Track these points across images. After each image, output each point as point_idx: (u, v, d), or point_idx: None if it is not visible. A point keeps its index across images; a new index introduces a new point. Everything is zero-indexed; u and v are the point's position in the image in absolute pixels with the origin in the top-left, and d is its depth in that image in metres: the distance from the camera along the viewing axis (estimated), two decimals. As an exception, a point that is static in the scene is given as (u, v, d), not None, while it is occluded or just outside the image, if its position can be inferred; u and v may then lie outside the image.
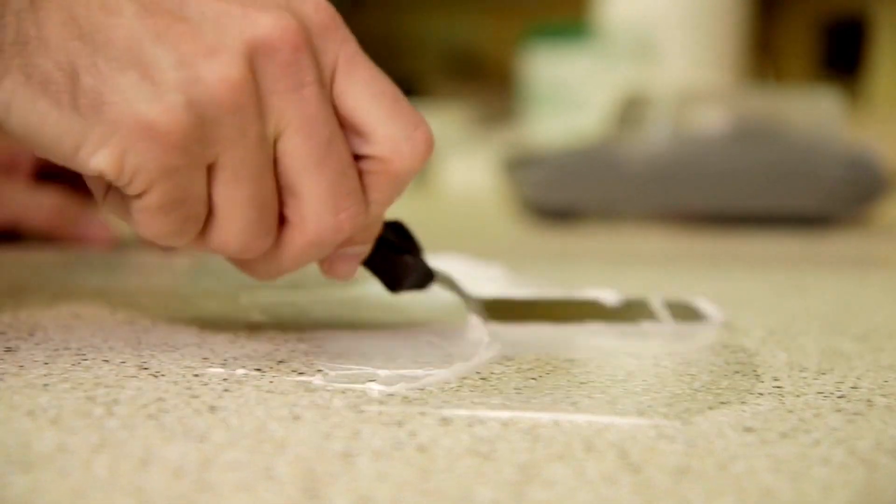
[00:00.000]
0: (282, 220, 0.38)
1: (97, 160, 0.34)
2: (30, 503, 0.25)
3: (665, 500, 0.26)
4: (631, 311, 0.48)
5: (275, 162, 0.37)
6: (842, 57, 1.62)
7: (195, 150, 0.35)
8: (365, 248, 0.40)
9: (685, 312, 0.48)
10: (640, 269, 0.69)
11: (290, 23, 0.36)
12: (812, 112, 0.99)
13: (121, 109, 0.34)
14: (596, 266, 0.71)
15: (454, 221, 1.04)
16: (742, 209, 0.96)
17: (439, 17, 1.90)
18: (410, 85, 1.72)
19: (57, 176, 0.66)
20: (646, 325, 0.47)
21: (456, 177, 1.39)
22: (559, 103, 1.40)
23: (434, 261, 0.45)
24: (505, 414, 0.33)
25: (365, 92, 0.38)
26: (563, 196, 0.96)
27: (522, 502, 0.26)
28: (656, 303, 0.49)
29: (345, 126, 0.38)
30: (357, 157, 0.38)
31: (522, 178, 0.98)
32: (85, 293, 0.50)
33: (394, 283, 0.43)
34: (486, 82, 1.81)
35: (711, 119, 0.99)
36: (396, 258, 0.43)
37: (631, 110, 1.02)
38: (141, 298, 0.49)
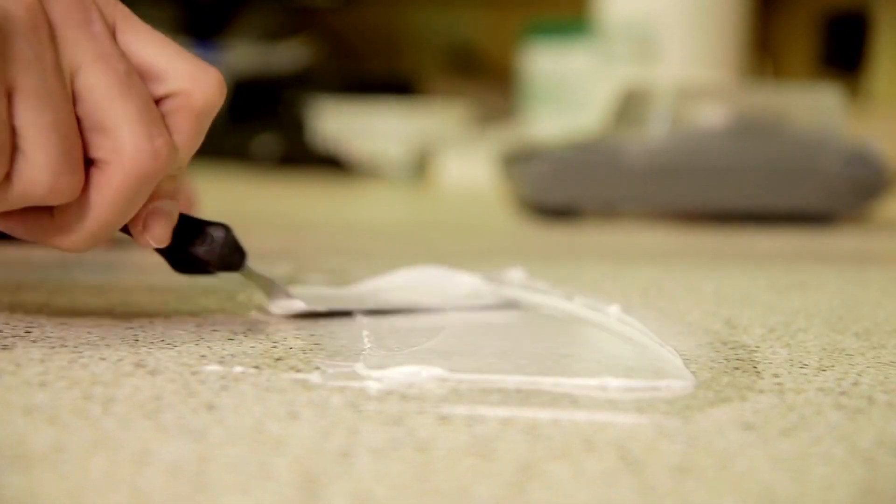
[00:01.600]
0: (92, 165, 0.37)
1: None
2: (26, 502, 0.25)
3: (666, 498, 0.26)
4: None
5: (75, 103, 0.37)
6: (842, 53, 1.62)
7: None
8: (174, 205, 0.40)
9: None
10: (640, 267, 0.69)
11: None
12: (812, 108, 0.99)
13: None
14: (595, 263, 0.70)
15: (453, 218, 1.03)
16: (742, 206, 0.96)
17: (438, 13, 1.90)
18: (408, 81, 1.72)
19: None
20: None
21: (454, 173, 1.39)
22: (559, 100, 1.40)
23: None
24: (504, 412, 0.32)
25: (150, 40, 0.38)
26: (561, 193, 0.95)
27: (522, 501, 0.26)
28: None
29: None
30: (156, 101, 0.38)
31: (521, 174, 0.97)
32: (82, 291, 0.50)
33: (190, 259, 0.42)
34: (486, 79, 1.81)
35: (711, 115, 0.99)
36: (204, 225, 0.42)
37: (630, 106, 1.02)
38: (138, 296, 0.49)
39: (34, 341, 0.39)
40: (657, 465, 0.28)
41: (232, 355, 0.38)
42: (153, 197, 0.39)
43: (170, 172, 0.38)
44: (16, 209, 0.38)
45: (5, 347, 0.38)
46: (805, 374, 0.38)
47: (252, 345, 0.40)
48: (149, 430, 0.30)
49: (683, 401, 0.34)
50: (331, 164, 1.48)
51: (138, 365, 0.36)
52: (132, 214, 0.38)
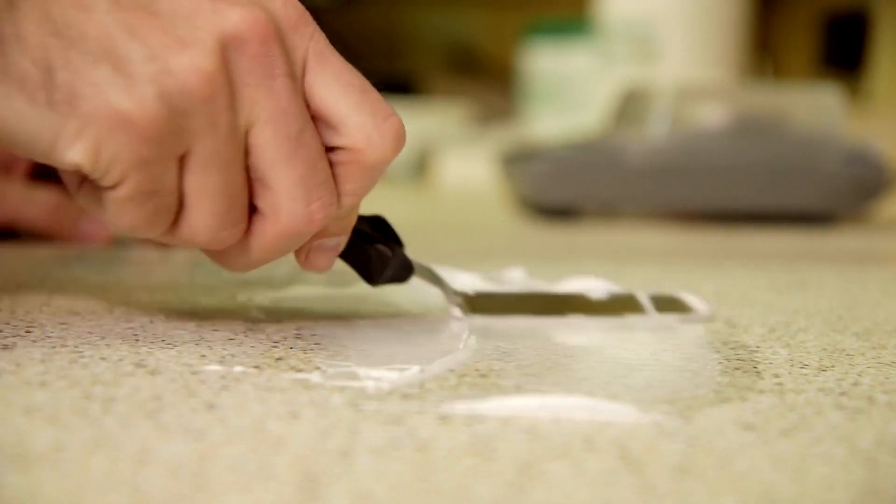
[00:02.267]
0: (255, 212, 0.38)
1: (73, 154, 0.35)
2: (26, 502, 0.25)
3: (666, 498, 0.26)
4: (616, 305, 0.48)
5: (247, 153, 0.37)
6: (842, 53, 1.62)
7: (168, 142, 0.35)
8: (340, 240, 0.41)
9: (671, 305, 0.48)
10: (640, 267, 0.69)
11: (260, 16, 0.37)
12: (813, 108, 0.99)
13: (95, 103, 0.35)
14: (595, 263, 0.70)
15: (452, 218, 1.03)
16: (742, 205, 0.96)
17: (438, 12, 1.90)
18: (409, 81, 1.72)
19: (54, 174, 0.66)
20: (631, 319, 0.47)
21: (454, 173, 1.39)
22: (559, 100, 1.40)
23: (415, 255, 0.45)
24: (504, 411, 0.32)
25: (335, 84, 0.38)
26: (561, 192, 0.95)
27: (522, 501, 0.26)
28: (643, 296, 0.49)
29: (316, 118, 0.38)
30: (329, 149, 0.38)
31: (521, 174, 0.97)
32: (82, 290, 0.50)
33: (371, 275, 0.43)
34: (486, 78, 1.81)
35: (711, 115, 0.99)
36: (372, 250, 0.43)
37: (631, 106, 1.02)
38: (138, 295, 0.49)
39: (34, 341, 0.39)
40: (657, 465, 0.28)
41: (232, 355, 0.38)
42: (319, 235, 0.40)
43: (337, 216, 0.39)
44: None
45: (6, 347, 0.38)
46: (805, 375, 0.38)
47: (252, 345, 0.40)
48: (149, 429, 0.30)
49: (684, 400, 0.34)
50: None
51: (138, 364, 0.36)
52: (290, 252, 0.40)
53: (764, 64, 1.56)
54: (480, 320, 0.45)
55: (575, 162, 0.96)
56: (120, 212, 0.36)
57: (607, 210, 0.98)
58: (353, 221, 0.41)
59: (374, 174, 0.39)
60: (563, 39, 1.40)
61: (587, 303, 0.48)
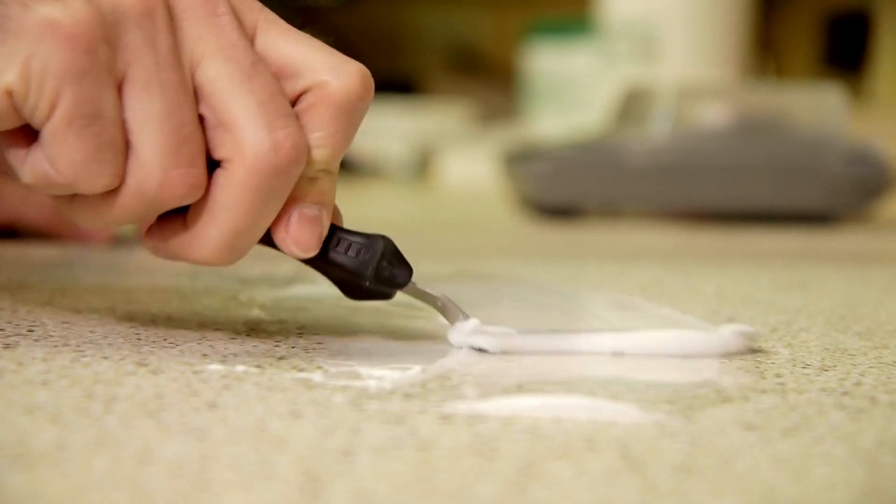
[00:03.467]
0: (218, 166, 0.35)
1: (5, 78, 0.33)
2: (28, 501, 0.25)
3: (667, 498, 0.26)
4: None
5: (199, 99, 0.35)
6: (844, 52, 1.61)
7: (102, 52, 0.33)
8: (320, 210, 0.37)
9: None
10: (642, 266, 0.69)
11: None
12: (815, 108, 0.99)
13: (23, 19, 0.33)
14: (597, 263, 0.70)
15: (454, 217, 1.03)
16: (744, 205, 0.96)
17: (440, 12, 1.90)
18: (411, 81, 1.72)
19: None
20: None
21: (456, 173, 1.39)
22: (561, 99, 1.40)
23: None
24: (506, 411, 0.32)
25: (289, 37, 0.37)
26: (563, 192, 0.95)
27: (523, 501, 0.26)
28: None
29: (275, 72, 0.36)
30: (293, 103, 0.36)
31: (523, 173, 0.97)
32: (84, 290, 0.50)
33: (351, 285, 0.38)
34: (488, 78, 1.81)
35: (713, 115, 0.99)
36: (347, 236, 0.38)
37: (632, 106, 1.02)
38: (140, 295, 0.49)
39: (36, 340, 0.39)
40: (659, 465, 0.28)
41: (234, 354, 0.38)
42: (294, 200, 0.36)
43: (309, 173, 0.36)
44: (153, 222, 0.37)
45: (8, 346, 0.38)
46: (807, 374, 0.38)
47: (254, 344, 0.40)
48: (151, 428, 0.30)
49: (686, 400, 0.34)
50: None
51: (140, 364, 0.36)
52: (268, 217, 0.36)
53: (766, 63, 1.56)
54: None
55: (576, 161, 0.96)
56: (60, 147, 0.34)
57: (609, 209, 0.98)
58: (333, 192, 0.37)
59: (345, 118, 0.36)
60: (565, 39, 1.40)
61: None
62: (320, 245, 0.37)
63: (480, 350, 0.39)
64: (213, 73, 0.35)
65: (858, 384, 0.37)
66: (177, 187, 0.34)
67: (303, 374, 0.36)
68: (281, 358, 0.38)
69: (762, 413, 0.33)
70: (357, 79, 0.36)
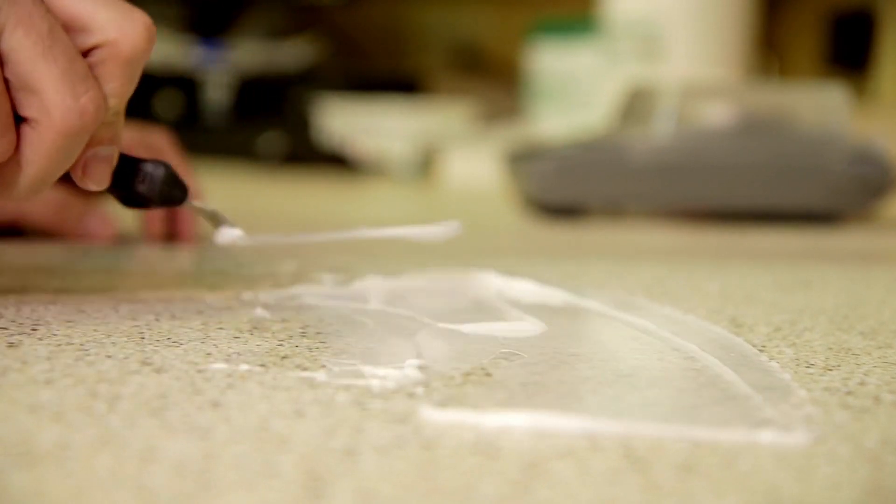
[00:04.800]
0: (24, 124, 0.38)
1: None
2: (31, 500, 0.25)
3: (670, 497, 0.26)
4: None
5: (2, 65, 0.37)
6: (848, 52, 1.61)
7: None
8: (113, 150, 0.41)
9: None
10: (645, 265, 0.69)
11: None
12: (818, 107, 0.99)
13: None
14: (600, 262, 0.70)
15: (457, 217, 1.03)
16: (747, 204, 0.96)
17: (443, 10, 1.90)
18: (414, 80, 1.71)
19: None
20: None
21: (459, 172, 1.39)
22: (564, 98, 1.40)
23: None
24: (510, 410, 0.32)
25: None
26: (566, 191, 0.95)
27: (527, 500, 0.26)
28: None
29: (63, 26, 0.38)
30: (84, 54, 0.39)
31: (526, 173, 0.97)
32: (88, 288, 0.50)
33: (133, 193, 0.44)
34: (491, 77, 1.81)
35: (717, 114, 0.99)
36: (136, 165, 0.43)
37: (636, 105, 1.02)
38: (144, 294, 0.49)
39: (40, 339, 0.39)
40: (662, 464, 0.28)
41: (238, 353, 0.38)
42: (91, 144, 0.40)
43: (105, 120, 0.40)
44: None
45: (11, 345, 0.38)
46: (811, 374, 0.38)
47: (258, 343, 0.40)
48: (154, 427, 0.30)
49: (689, 399, 0.34)
50: (336, 162, 1.48)
51: (144, 363, 0.36)
52: (69, 165, 0.40)
53: (769, 62, 1.56)
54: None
55: (580, 161, 0.95)
56: None
57: (612, 209, 0.98)
58: (121, 128, 0.41)
59: (132, 69, 0.40)
60: (568, 38, 1.40)
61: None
62: (109, 179, 0.42)
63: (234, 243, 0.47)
64: (14, 44, 0.37)
65: (862, 383, 0.37)
66: None
67: (306, 374, 0.36)
68: (284, 357, 0.38)
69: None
70: (143, 34, 0.40)
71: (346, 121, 1.48)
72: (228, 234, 0.47)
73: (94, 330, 0.41)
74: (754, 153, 0.96)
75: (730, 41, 1.25)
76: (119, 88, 0.40)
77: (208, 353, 0.38)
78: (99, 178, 0.41)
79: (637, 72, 1.21)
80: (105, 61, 0.39)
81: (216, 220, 0.47)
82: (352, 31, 1.88)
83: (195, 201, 0.46)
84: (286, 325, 0.43)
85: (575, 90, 1.38)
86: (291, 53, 1.70)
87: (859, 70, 1.57)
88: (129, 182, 0.43)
